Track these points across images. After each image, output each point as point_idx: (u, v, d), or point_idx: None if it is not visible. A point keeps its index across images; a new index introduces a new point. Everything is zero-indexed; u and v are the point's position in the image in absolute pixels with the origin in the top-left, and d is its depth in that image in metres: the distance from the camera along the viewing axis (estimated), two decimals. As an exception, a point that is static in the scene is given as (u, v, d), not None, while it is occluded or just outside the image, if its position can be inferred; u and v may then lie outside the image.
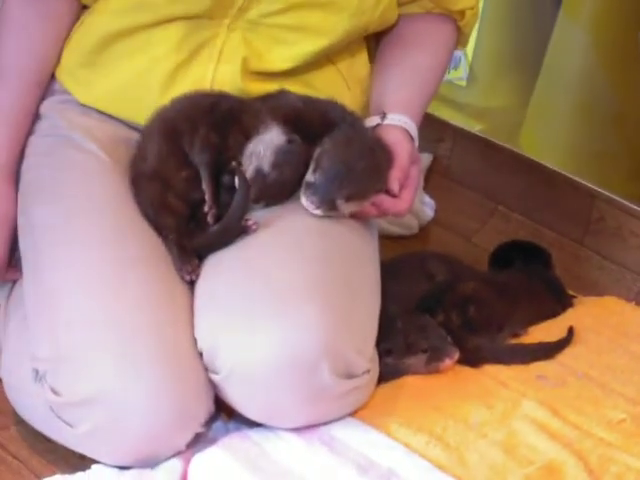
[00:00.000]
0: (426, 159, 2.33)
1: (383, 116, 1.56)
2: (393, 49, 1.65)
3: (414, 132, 1.57)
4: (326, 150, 1.46)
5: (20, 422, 1.48)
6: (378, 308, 1.51)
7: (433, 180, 2.29)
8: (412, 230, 2.16)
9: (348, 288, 1.44)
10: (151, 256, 1.45)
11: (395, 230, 2.12)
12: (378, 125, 1.56)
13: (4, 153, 1.55)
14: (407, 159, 1.51)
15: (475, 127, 2.44)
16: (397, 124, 1.55)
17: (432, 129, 2.32)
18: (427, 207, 2.22)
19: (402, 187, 1.50)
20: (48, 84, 1.60)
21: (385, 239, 1.77)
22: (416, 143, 1.57)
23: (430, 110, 2.34)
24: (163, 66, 1.54)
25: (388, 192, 1.49)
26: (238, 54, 1.53)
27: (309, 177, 1.45)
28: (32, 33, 1.57)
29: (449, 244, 2.06)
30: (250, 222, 1.46)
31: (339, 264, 1.45)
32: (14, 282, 1.57)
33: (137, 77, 1.55)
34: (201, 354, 1.39)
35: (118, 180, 1.52)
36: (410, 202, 1.51)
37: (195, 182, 1.48)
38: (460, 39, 1.70)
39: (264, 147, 1.45)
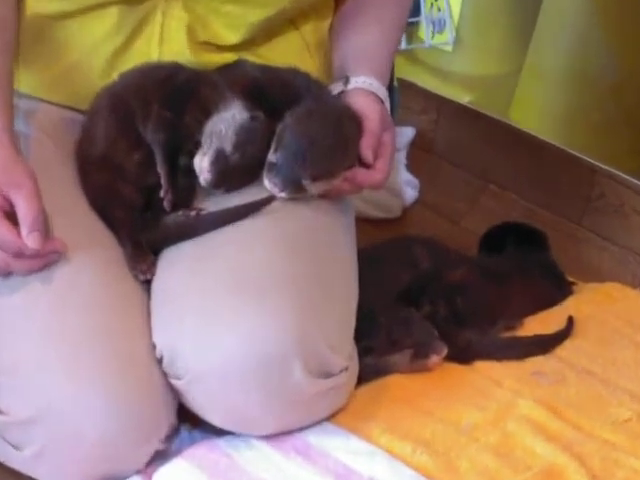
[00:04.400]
0: (409, 133, 2.31)
1: (346, 80, 1.51)
2: (352, 5, 1.60)
3: (383, 94, 1.52)
4: (287, 126, 1.42)
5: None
6: (355, 300, 1.47)
7: (416, 157, 2.26)
8: (394, 213, 2.14)
9: (319, 279, 1.39)
10: (102, 254, 1.40)
11: (375, 213, 2.11)
12: (342, 92, 1.50)
13: (6, 113, 1.39)
14: (378, 125, 1.46)
15: (462, 97, 2.43)
16: (362, 87, 1.50)
17: (415, 100, 2.31)
18: (410, 187, 2.20)
19: (376, 156, 1.45)
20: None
21: (364, 223, 1.74)
22: (387, 106, 1.52)
23: (413, 79, 2.43)
24: (102, 50, 1.50)
25: (362, 163, 1.45)
26: (181, 22, 1.48)
27: (271, 157, 1.41)
28: None
29: (435, 227, 2.04)
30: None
31: (309, 252, 1.40)
32: None
33: (75, 65, 1.50)
34: (161, 360, 1.35)
35: (63, 168, 1.47)
36: (386, 172, 1.46)
37: (149, 166, 1.43)
38: None
39: (225, 126, 1.40)
